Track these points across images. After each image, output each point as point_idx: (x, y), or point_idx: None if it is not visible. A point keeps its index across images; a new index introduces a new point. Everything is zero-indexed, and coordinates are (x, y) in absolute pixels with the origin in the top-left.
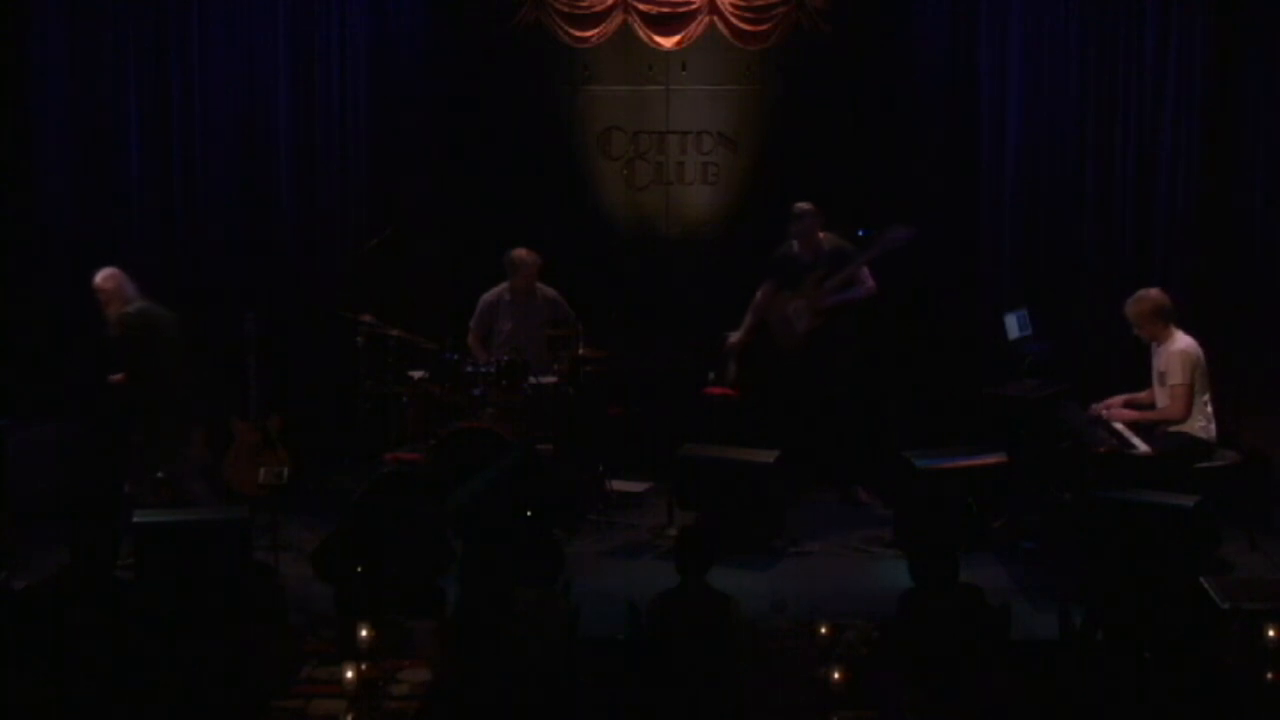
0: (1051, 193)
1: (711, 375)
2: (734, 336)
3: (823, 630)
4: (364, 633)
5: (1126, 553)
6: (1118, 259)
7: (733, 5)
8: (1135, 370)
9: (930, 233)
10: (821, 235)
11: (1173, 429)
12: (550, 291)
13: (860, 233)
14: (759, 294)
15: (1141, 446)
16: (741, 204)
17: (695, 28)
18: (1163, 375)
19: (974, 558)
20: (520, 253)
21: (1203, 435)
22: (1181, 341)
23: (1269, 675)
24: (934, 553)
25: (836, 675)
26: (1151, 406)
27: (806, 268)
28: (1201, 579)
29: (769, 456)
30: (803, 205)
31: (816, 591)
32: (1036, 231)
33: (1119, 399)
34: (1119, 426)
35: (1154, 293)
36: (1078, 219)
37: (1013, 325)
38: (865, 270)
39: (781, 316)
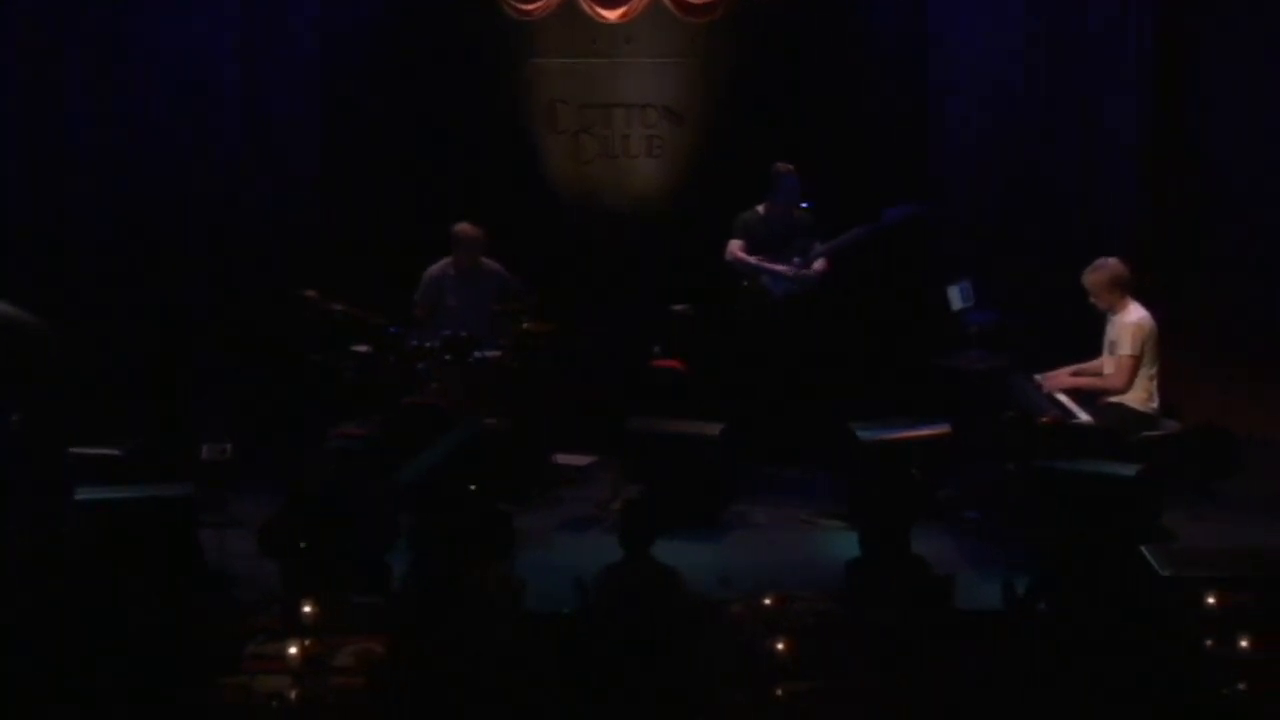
0: (997, 165)
1: (657, 349)
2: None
3: (769, 602)
4: (310, 608)
5: (1069, 522)
6: (1063, 230)
7: None
8: (1080, 340)
9: (878, 204)
10: None
11: (1113, 399)
12: (495, 266)
13: (804, 205)
14: (736, 250)
15: (1084, 417)
16: (687, 178)
17: (639, 1)
18: (1113, 345)
19: (919, 529)
20: (465, 227)
21: (1143, 408)
22: (1135, 313)
23: (1210, 642)
24: (880, 524)
25: (783, 647)
26: (1099, 376)
27: (777, 233)
28: (1143, 548)
29: (715, 429)
30: (787, 166)
31: (763, 564)
32: (982, 203)
33: (1065, 370)
34: (1062, 397)
35: (1112, 262)
36: (1023, 191)
37: (956, 297)
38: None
39: (756, 281)
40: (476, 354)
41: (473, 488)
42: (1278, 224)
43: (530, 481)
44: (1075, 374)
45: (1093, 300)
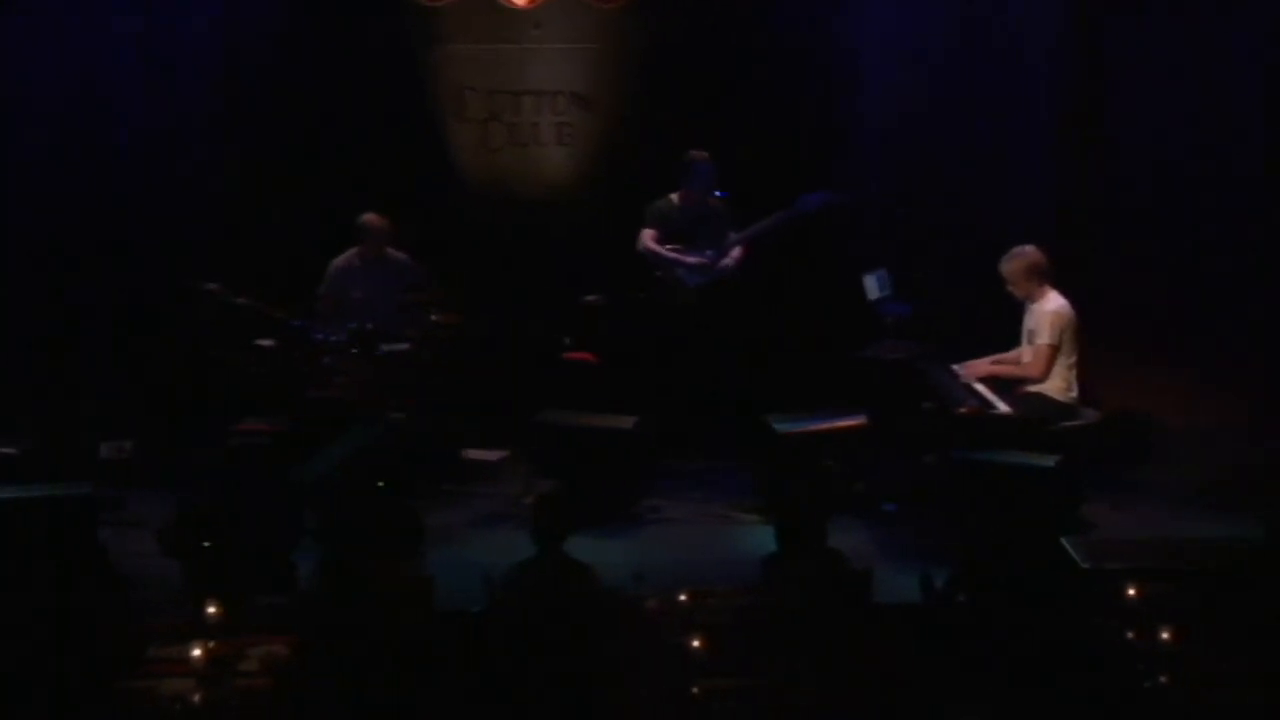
0: (913, 152)
1: (568, 341)
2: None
3: (684, 598)
4: (213, 610)
5: (988, 514)
6: (979, 218)
7: None
8: (998, 330)
9: (793, 192)
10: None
11: (1031, 389)
12: (402, 256)
13: (718, 193)
14: (648, 240)
15: (1002, 407)
16: (598, 166)
17: None
18: (1032, 333)
19: (836, 521)
20: (371, 217)
21: (1061, 397)
22: (1054, 302)
23: (1130, 635)
24: (797, 517)
25: (699, 644)
26: (1018, 365)
27: (691, 222)
28: (1063, 539)
29: (628, 422)
30: (701, 153)
31: (678, 559)
32: (898, 190)
33: (983, 360)
34: (980, 387)
35: (1030, 250)
36: (939, 179)
37: (872, 286)
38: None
39: (670, 272)
40: (384, 347)
41: (380, 484)
42: (1191, 212)
43: (439, 477)
44: (994, 364)
45: (1011, 289)
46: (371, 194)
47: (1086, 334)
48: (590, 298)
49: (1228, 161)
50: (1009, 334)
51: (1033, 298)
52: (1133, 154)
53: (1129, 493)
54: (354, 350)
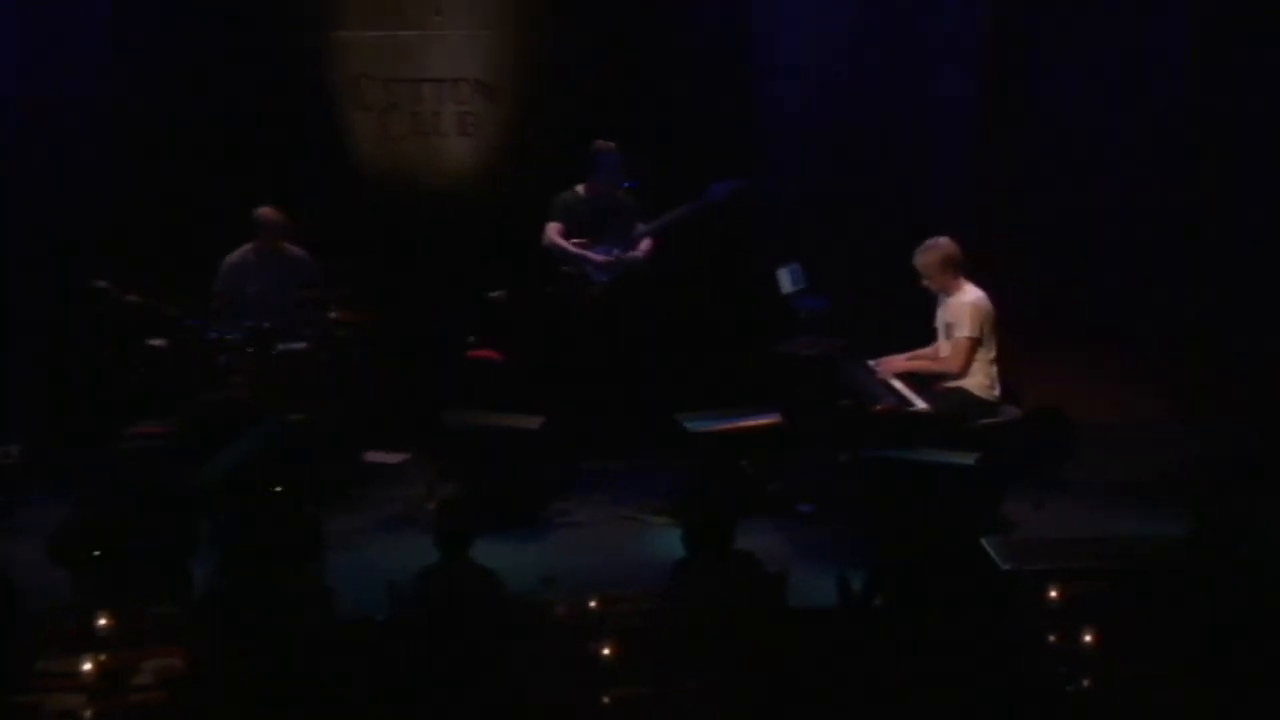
0: (827, 141)
1: (472, 338)
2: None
3: (594, 604)
4: (104, 621)
5: (907, 514)
6: (897, 210)
7: None
8: (916, 324)
9: (703, 182)
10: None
11: (951, 385)
12: (299, 251)
13: (626, 184)
14: (554, 235)
15: (920, 404)
16: (502, 156)
17: None
18: (950, 327)
19: (750, 523)
20: (266, 211)
21: (983, 393)
22: (971, 294)
23: (1052, 638)
24: (707, 519)
25: (609, 651)
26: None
27: (598, 214)
28: (983, 540)
29: (534, 422)
30: (608, 144)
31: (587, 564)
32: (812, 180)
33: (901, 356)
34: (897, 384)
35: (944, 241)
36: (855, 169)
37: (786, 280)
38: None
39: (577, 267)
40: (281, 346)
41: (278, 488)
42: (1115, 204)
43: (340, 481)
44: (911, 360)
45: (926, 283)
46: (266, 186)
47: (1006, 328)
48: (495, 293)
49: (1151, 152)
50: (929, 328)
51: (948, 290)
52: (1054, 143)
53: (1051, 491)
54: (250, 349)
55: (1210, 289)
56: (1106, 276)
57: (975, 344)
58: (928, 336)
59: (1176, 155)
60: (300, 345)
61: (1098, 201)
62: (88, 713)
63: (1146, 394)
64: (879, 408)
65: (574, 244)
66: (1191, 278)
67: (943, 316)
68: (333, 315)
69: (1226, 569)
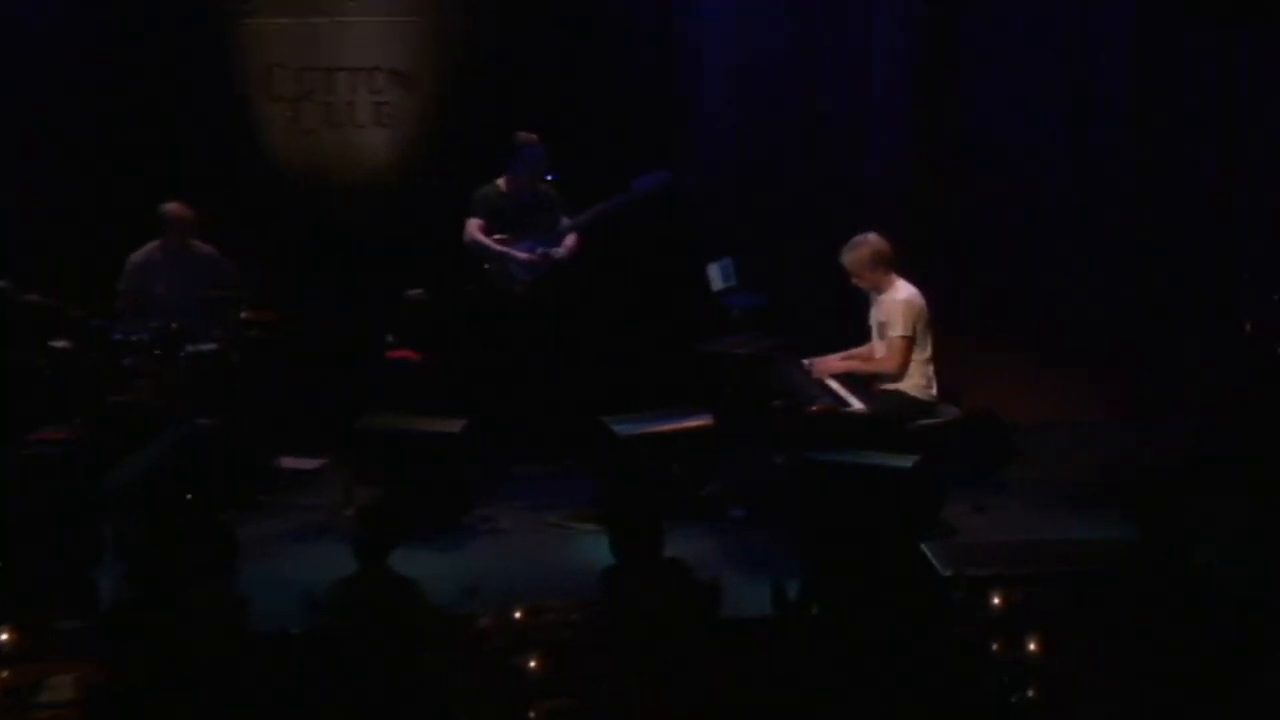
0: (757, 134)
1: (390, 338)
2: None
3: (519, 615)
4: (6, 636)
5: (843, 519)
6: (831, 204)
7: None
8: (852, 321)
9: (630, 175)
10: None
11: (888, 386)
12: (208, 248)
13: (549, 177)
14: (475, 231)
15: (857, 405)
16: (420, 148)
17: None
18: (883, 326)
19: (681, 529)
20: (173, 207)
21: (920, 394)
22: (904, 291)
23: (995, 646)
24: (636, 525)
25: (534, 663)
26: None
27: (521, 209)
28: (922, 545)
29: (456, 426)
30: (530, 135)
31: (512, 573)
32: (743, 174)
33: (836, 355)
34: (833, 384)
35: (873, 238)
36: (787, 162)
37: (716, 276)
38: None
39: (501, 265)
40: (189, 347)
41: (188, 496)
42: (1052, 201)
43: (253, 487)
44: (846, 359)
45: (856, 281)
46: (173, 181)
47: (942, 326)
48: (414, 292)
49: (1094, 143)
50: (867, 326)
51: (880, 288)
52: (992, 139)
53: (992, 494)
54: (157, 351)
55: (1153, 287)
56: (1046, 274)
57: (910, 343)
58: (865, 334)
59: (1123, 143)
60: (210, 346)
61: (1037, 198)
62: None
63: (1089, 393)
64: (814, 409)
65: (496, 240)
66: (1134, 276)
67: (875, 315)
68: (244, 315)
69: (1174, 574)
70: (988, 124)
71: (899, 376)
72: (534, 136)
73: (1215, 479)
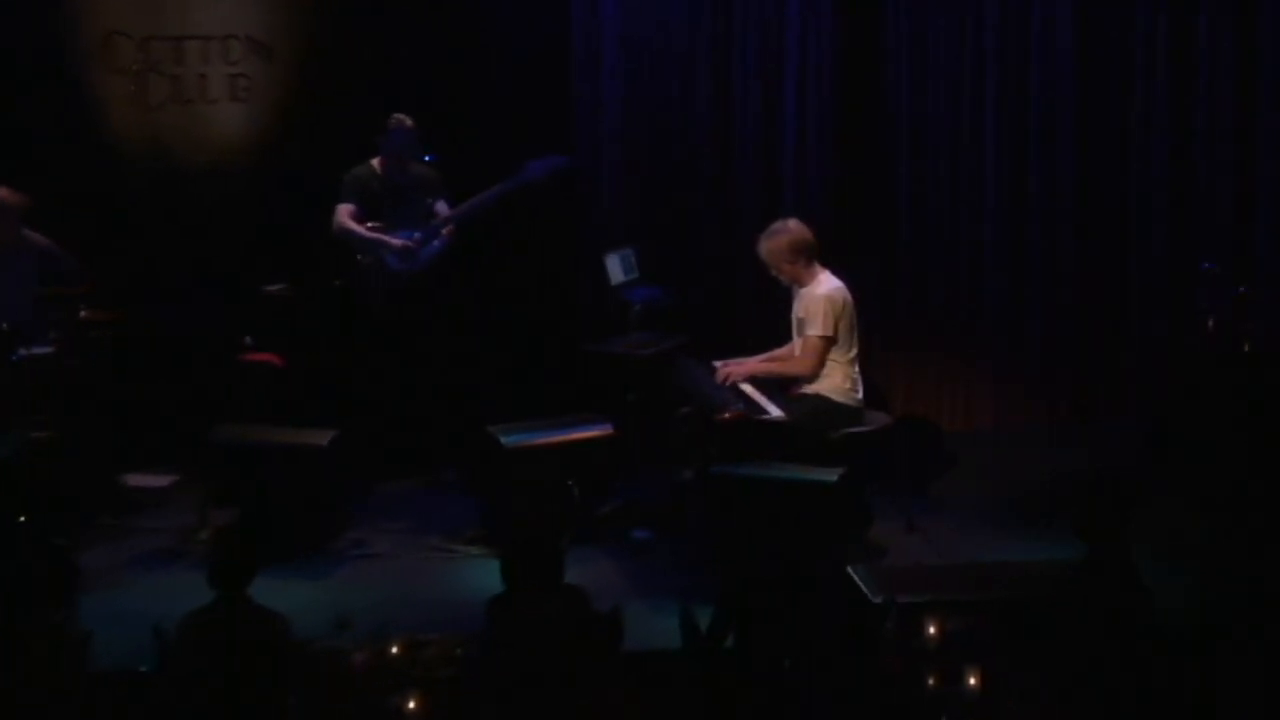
0: (662, 113)
1: (248, 340)
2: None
3: (395, 650)
4: None
5: (758, 540)
6: (743, 191)
7: None
8: (768, 317)
9: (518, 157)
10: None
11: (806, 389)
12: (41, 240)
13: (426, 158)
14: (345, 218)
15: (775, 411)
16: (281, 126)
17: None
18: (801, 323)
19: (577, 552)
20: (1, 193)
21: (843, 398)
22: (825, 284)
23: (930, 679)
24: (527, 549)
25: (414, 704)
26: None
27: (396, 193)
28: (849, 568)
29: (323, 438)
30: (401, 117)
31: (387, 602)
32: (644, 156)
33: (752, 358)
34: (747, 388)
35: (792, 225)
36: (694, 145)
37: (615, 268)
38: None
39: (374, 255)
40: (22, 350)
41: (21, 518)
42: (981, 190)
43: (95, 508)
44: (766, 361)
45: (774, 274)
46: (2, 165)
47: (870, 324)
48: (274, 287)
49: (1034, 127)
50: (787, 322)
51: (800, 281)
52: (921, 119)
53: (926, 510)
54: None
55: (1100, 280)
56: (981, 267)
57: (828, 343)
58: (784, 332)
59: (1060, 137)
60: (45, 349)
61: (970, 185)
62: None
63: (1030, 397)
64: (726, 416)
65: (368, 228)
66: (1078, 269)
67: (795, 311)
68: (83, 314)
69: (1123, 598)
70: (919, 110)
71: (814, 378)
72: (405, 118)
73: (1168, 489)
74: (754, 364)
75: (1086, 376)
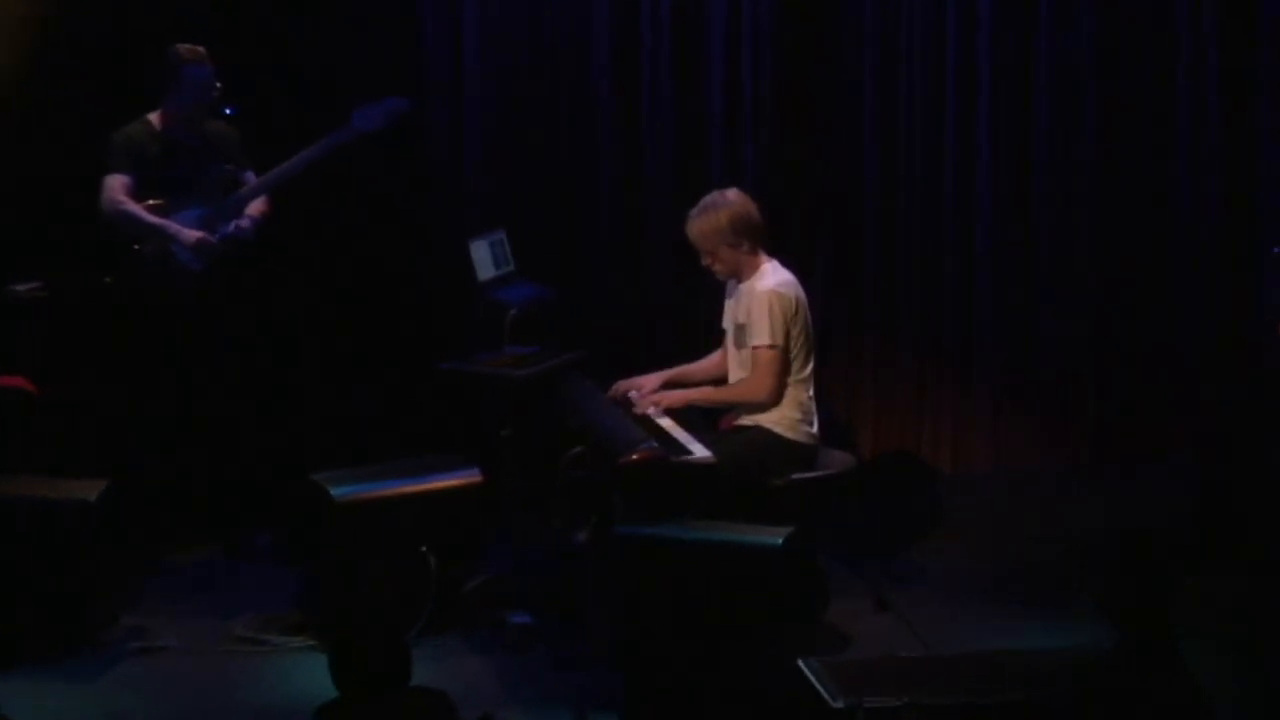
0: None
1: None
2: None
3: None
4: None
5: (678, 623)
6: (651, 155)
7: None
8: (687, 324)
9: (343, 106)
10: None
11: (744, 419)
12: None
13: (226, 110)
14: (117, 194)
15: (699, 451)
16: (24, 72)
17: None
18: (742, 330)
19: (435, 642)
20: None
21: (791, 432)
22: (771, 278)
23: None
24: (368, 639)
25: None
26: (722, 381)
27: (184, 158)
28: (801, 662)
29: (91, 490)
30: (194, 49)
31: (180, 712)
32: (517, 107)
33: (660, 375)
34: (664, 421)
35: (732, 196)
36: (590, 89)
37: (484, 258)
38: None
39: (157, 244)
40: None
41: None
42: (970, 161)
43: None
44: (675, 382)
45: (707, 262)
46: None
47: (829, 334)
48: (22, 287)
49: (1045, 84)
50: (711, 330)
51: (740, 274)
52: (887, 87)
53: (902, 581)
54: None
55: (1121, 285)
56: (971, 260)
57: (782, 356)
58: (707, 342)
59: (1079, 110)
60: None
61: (961, 157)
62: None
63: (1039, 430)
64: (633, 457)
65: (147, 207)
66: (1095, 271)
67: (732, 313)
68: None
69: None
70: (889, 56)
71: (773, 402)
72: (199, 49)
73: (1224, 553)
74: (684, 394)
75: (1112, 402)
